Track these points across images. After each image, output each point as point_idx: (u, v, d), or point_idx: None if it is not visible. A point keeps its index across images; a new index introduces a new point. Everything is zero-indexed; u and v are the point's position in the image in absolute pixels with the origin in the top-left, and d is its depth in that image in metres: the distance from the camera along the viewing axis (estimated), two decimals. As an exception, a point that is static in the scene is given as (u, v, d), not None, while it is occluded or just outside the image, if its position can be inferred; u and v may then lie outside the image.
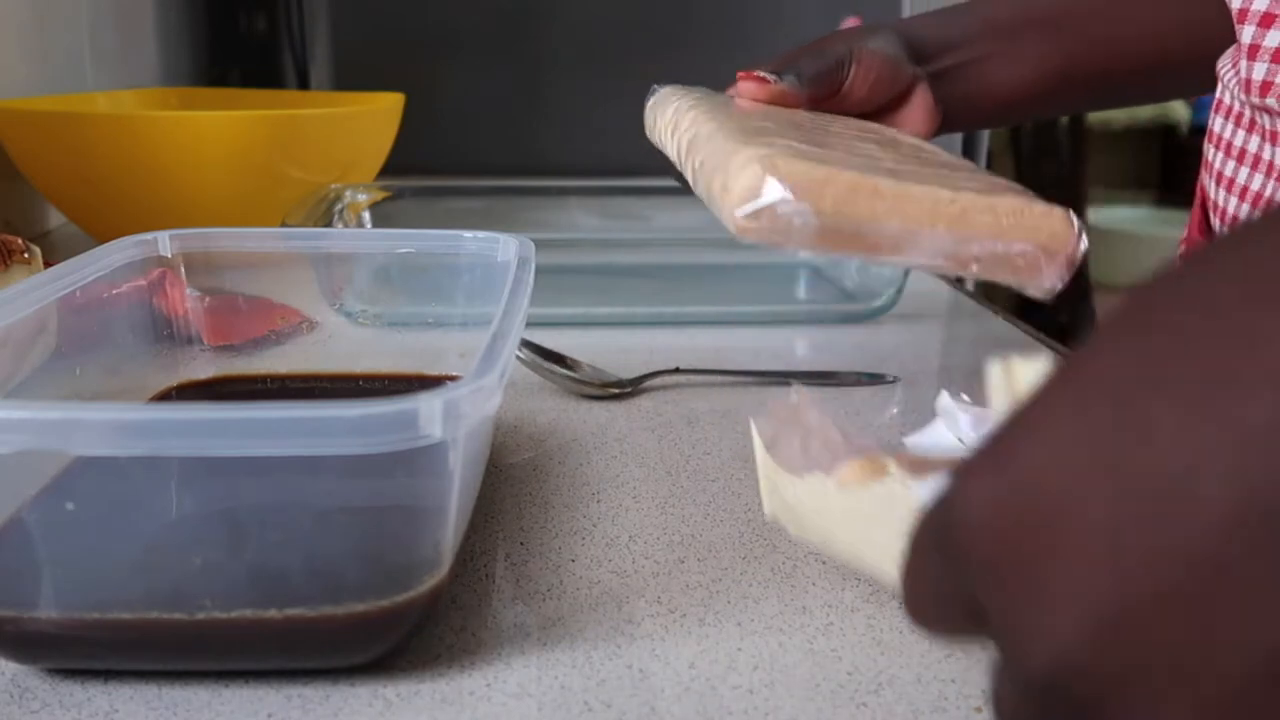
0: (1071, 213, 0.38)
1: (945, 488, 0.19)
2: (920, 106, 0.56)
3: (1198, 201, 0.56)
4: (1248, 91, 0.49)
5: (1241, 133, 0.52)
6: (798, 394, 0.34)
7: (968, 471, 0.19)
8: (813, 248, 0.36)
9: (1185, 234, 0.59)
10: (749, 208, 0.36)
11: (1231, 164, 0.52)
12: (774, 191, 0.35)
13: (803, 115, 0.51)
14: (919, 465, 0.29)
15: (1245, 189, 0.51)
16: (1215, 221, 0.54)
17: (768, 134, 0.41)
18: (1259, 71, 0.48)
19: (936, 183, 0.38)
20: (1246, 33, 0.49)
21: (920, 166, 0.42)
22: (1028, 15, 0.59)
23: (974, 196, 0.37)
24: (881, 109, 0.56)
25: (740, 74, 0.53)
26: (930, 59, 0.57)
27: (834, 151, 0.40)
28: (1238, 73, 0.50)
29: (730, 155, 0.38)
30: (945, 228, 0.37)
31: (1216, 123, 0.54)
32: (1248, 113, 0.51)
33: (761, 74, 0.52)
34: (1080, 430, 0.17)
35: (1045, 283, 0.37)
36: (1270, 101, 0.48)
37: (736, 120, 0.44)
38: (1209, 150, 0.54)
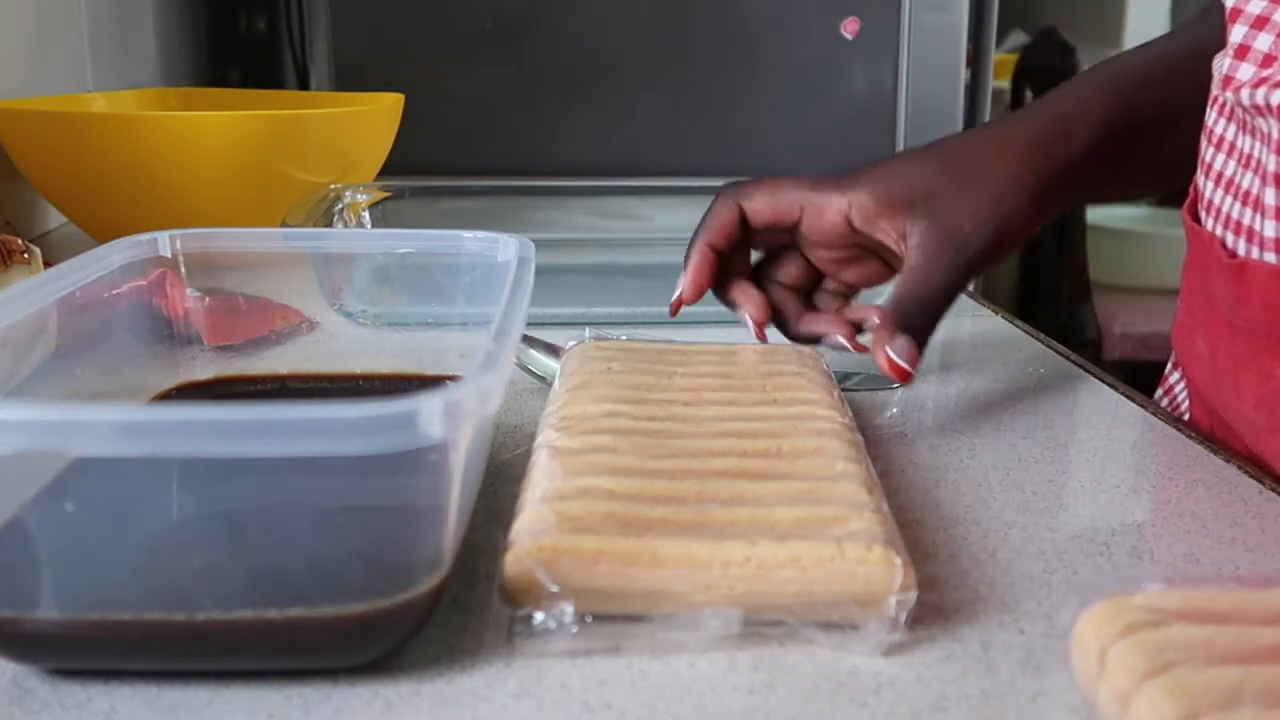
0: (896, 553, 0.34)
1: None
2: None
3: (1191, 190, 0.57)
4: (1224, 86, 0.50)
5: (1223, 121, 0.54)
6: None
7: None
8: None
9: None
10: (515, 593, 0.34)
11: (1211, 150, 0.54)
12: (540, 581, 0.33)
13: (658, 407, 0.44)
14: None
15: (1220, 174, 0.53)
16: (1202, 211, 0.55)
17: (587, 471, 0.38)
18: (1226, 66, 0.51)
19: (748, 518, 0.35)
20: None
21: (755, 480, 0.38)
22: (1090, 82, 0.59)
23: (774, 547, 0.34)
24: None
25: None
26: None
27: (627, 504, 0.36)
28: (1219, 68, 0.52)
29: (522, 508, 0.36)
30: (742, 592, 0.34)
31: (1210, 115, 0.56)
32: (1228, 104, 0.53)
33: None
34: None
35: (870, 639, 0.34)
36: (1228, 95, 0.50)
37: (568, 439, 0.40)
38: (1203, 142, 0.56)
